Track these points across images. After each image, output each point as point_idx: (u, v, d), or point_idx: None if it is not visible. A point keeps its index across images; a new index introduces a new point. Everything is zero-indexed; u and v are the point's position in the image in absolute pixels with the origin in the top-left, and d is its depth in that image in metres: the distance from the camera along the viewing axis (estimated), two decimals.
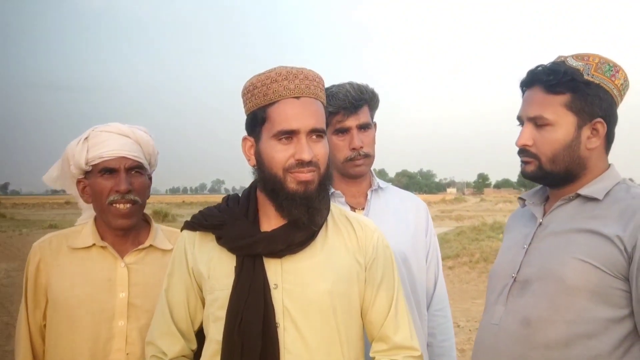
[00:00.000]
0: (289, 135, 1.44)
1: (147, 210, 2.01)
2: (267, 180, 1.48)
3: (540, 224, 1.63)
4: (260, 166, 1.49)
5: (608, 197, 1.53)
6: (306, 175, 1.44)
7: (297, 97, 1.45)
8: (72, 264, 1.84)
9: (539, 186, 1.76)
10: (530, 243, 1.62)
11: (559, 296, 1.46)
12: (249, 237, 1.48)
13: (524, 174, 1.63)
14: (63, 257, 1.86)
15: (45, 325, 1.86)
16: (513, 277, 1.60)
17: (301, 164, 1.43)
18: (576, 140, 1.55)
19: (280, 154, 1.44)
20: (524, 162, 1.62)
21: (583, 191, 1.55)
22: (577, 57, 1.57)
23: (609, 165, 1.61)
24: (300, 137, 1.43)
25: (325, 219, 1.53)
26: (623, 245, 1.41)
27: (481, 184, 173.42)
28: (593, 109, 1.55)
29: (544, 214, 1.65)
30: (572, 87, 1.54)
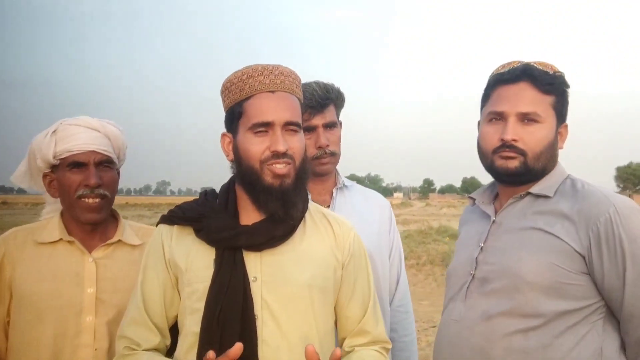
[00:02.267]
0: (265, 127, 1.47)
1: None
2: (244, 174, 1.50)
3: (494, 221, 1.68)
4: (238, 160, 1.51)
5: (556, 194, 1.59)
6: (281, 168, 1.46)
7: (272, 92, 1.49)
8: (38, 259, 1.80)
9: (487, 184, 1.82)
10: (485, 240, 1.67)
11: (517, 292, 1.51)
12: (230, 230, 1.49)
13: (504, 171, 1.62)
14: (29, 251, 1.81)
15: (9, 322, 1.80)
16: (472, 274, 1.65)
17: (276, 155, 1.45)
18: (555, 140, 1.63)
19: (256, 147, 1.47)
20: (506, 158, 1.60)
21: (534, 189, 1.62)
22: (541, 64, 1.63)
23: (557, 162, 1.69)
24: (275, 129, 1.47)
25: (302, 213, 1.55)
26: (577, 243, 1.48)
27: (426, 189, 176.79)
28: (565, 114, 1.66)
29: (496, 212, 1.70)
30: (559, 90, 1.62)
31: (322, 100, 2.09)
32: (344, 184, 2.25)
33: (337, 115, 2.20)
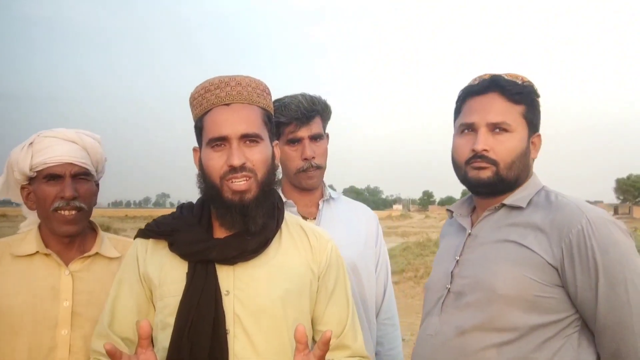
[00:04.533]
0: (220, 142, 1.45)
1: None
2: (207, 189, 1.49)
3: (469, 234, 1.67)
4: (202, 175, 1.51)
5: (530, 205, 1.58)
6: (240, 183, 1.44)
7: (228, 104, 1.47)
8: (14, 272, 1.78)
9: (465, 197, 1.81)
10: (460, 254, 1.65)
11: (491, 305, 1.50)
12: (202, 243, 1.48)
13: (476, 181, 1.61)
14: (5, 264, 1.79)
15: None
16: (447, 288, 1.63)
17: (234, 169, 1.43)
18: (527, 149, 1.62)
19: (214, 162, 1.45)
20: (478, 168, 1.60)
21: (508, 200, 1.60)
22: (511, 75, 1.64)
23: (533, 173, 1.68)
24: (232, 143, 1.45)
25: (262, 225, 1.50)
26: (549, 255, 1.47)
27: (426, 201, 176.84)
28: (537, 123, 1.65)
29: (472, 225, 1.69)
30: (528, 100, 1.62)
31: (307, 112, 2.09)
32: (330, 196, 2.24)
33: (324, 127, 2.19)
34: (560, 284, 1.47)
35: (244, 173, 1.44)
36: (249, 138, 1.46)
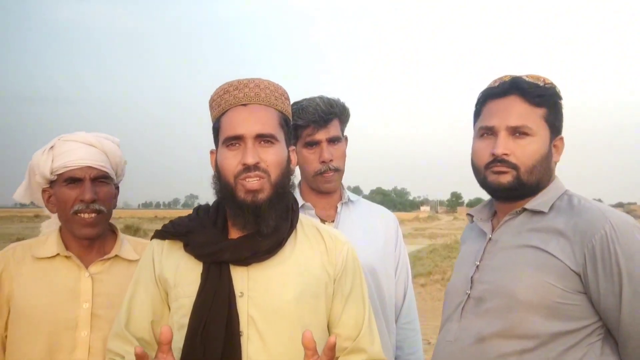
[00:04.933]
0: (236, 141, 1.46)
1: (119, 225, 2.00)
2: (221, 189, 1.50)
3: (490, 239, 1.64)
4: (217, 176, 1.51)
5: (552, 210, 1.54)
6: (253, 182, 1.44)
7: (245, 105, 1.48)
8: (35, 274, 1.82)
9: (485, 201, 1.77)
10: (481, 259, 1.62)
11: (511, 312, 1.46)
12: (215, 244, 1.48)
13: (497, 185, 1.58)
14: (27, 266, 1.83)
15: (6, 337, 1.82)
16: (467, 294, 1.60)
17: (247, 169, 1.44)
18: (549, 153, 1.58)
19: (228, 161, 1.46)
20: (498, 172, 1.57)
21: (529, 205, 1.57)
22: (533, 77, 1.60)
23: (555, 176, 1.64)
24: (247, 142, 1.45)
25: (274, 227, 1.49)
26: (571, 261, 1.43)
27: (454, 202, 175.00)
28: (560, 126, 1.61)
29: (493, 229, 1.66)
30: (550, 102, 1.58)
31: (325, 115, 2.08)
32: (349, 199, 2.23)
33: (342, 130, 2.19)
34: (582, 291, 1.44)
35: (257, 172, 1.44)
36: (263, 138, 1.46)
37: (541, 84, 1.58)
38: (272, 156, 1.47)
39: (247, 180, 1.44)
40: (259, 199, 1.45)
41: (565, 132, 1.64)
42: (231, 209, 1.48)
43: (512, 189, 1.56)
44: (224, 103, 1.49)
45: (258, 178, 1.45)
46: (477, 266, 1.62)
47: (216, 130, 1.52)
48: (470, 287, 1.60)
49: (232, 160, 1.45)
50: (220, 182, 1.49)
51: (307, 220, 1.65)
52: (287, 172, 1.52)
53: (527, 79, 1.59)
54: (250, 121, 1.46)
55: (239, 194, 1.45)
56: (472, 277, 1.61)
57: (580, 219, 1.47)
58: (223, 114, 1.50)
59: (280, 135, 1.50)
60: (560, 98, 1.61)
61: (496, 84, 1.63)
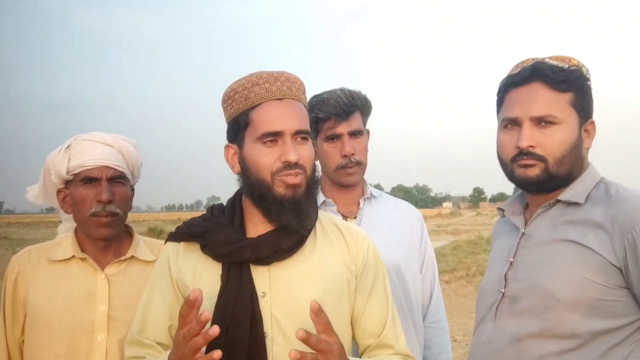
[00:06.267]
0: (274, 137, 1.41)
1: (142, 228, 1.97)
2: (253, 186, 1.44)
3: (523, 234, 1.55)
4: (246, 172, 1.45)
5: (589, 200, 1.45)
6: (294, 178, 1.40)
7: (280, 99, 1.43)
8: (51, 277, 1.79)
9: (516, 194, 1.68)
10: (514, 255, 1.54)
11: (549, 311, 1.38)
12: (234, 244, 1.43)
13: (524, 179, 1.49)
14: (42, 269, 1.80)
15: (23, 341, 1.80)
16: (501, 292, 1.52)
17: (288, 166, 1.39)
18: (579, 140, 1.49)
19: (265, 158, 1.41)
20: (525, 166, 1.48)
21: (563, 196, 1.48)
22: (557, 58, 1.51)
23: (589, 164, 1.54)
24: (286, 139, 1.41)
25: (313, 224, 1.49)
26: (611, 254, 1.35)
27: (477, 197, 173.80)
28: (589, 109, 1.51)
29: (526, 223, 1.57)
30: (576, 86, 1.48)
31: (347, 108, 2.03)
32: (371, 194, 2.17)
33: (364, 123, 2.13)
34: (624, 286, 1.35)
35: (297, 169, 1.41)
36: (301, 135, 1.43)
37: (566, 67, 1.48)
38: (307, 152, 1.44)
39: (287, 176, 1.40)
40: (299, 193, 1.41)
41: None
42: (265, 205, 1.43)
43: (541, 183, 1.47)
44: (254, 96, 1.42)
45: (297, 174, 1.41)
46: (511, 263, 1.54)
47: (244, 124, 1.44)
48: (505, 286, 1.52)
49: (269, 157, 1.40)
50: (251, 178, 1.43)
51: (325, 217, 1.60)
52: (315, 167, 1.49)
53: (550, 61, 1.49)
54: (288, 117, 1.41)
55: (278, 190, 1.40)
56: (505, 275, 1.53)
57: (619, 209, 1.37)
58: (253, 107, 1.43)
59: (309, 130, 1.47)
60: (587, 80, 1.50)
61: (517, 71, 1.53)
